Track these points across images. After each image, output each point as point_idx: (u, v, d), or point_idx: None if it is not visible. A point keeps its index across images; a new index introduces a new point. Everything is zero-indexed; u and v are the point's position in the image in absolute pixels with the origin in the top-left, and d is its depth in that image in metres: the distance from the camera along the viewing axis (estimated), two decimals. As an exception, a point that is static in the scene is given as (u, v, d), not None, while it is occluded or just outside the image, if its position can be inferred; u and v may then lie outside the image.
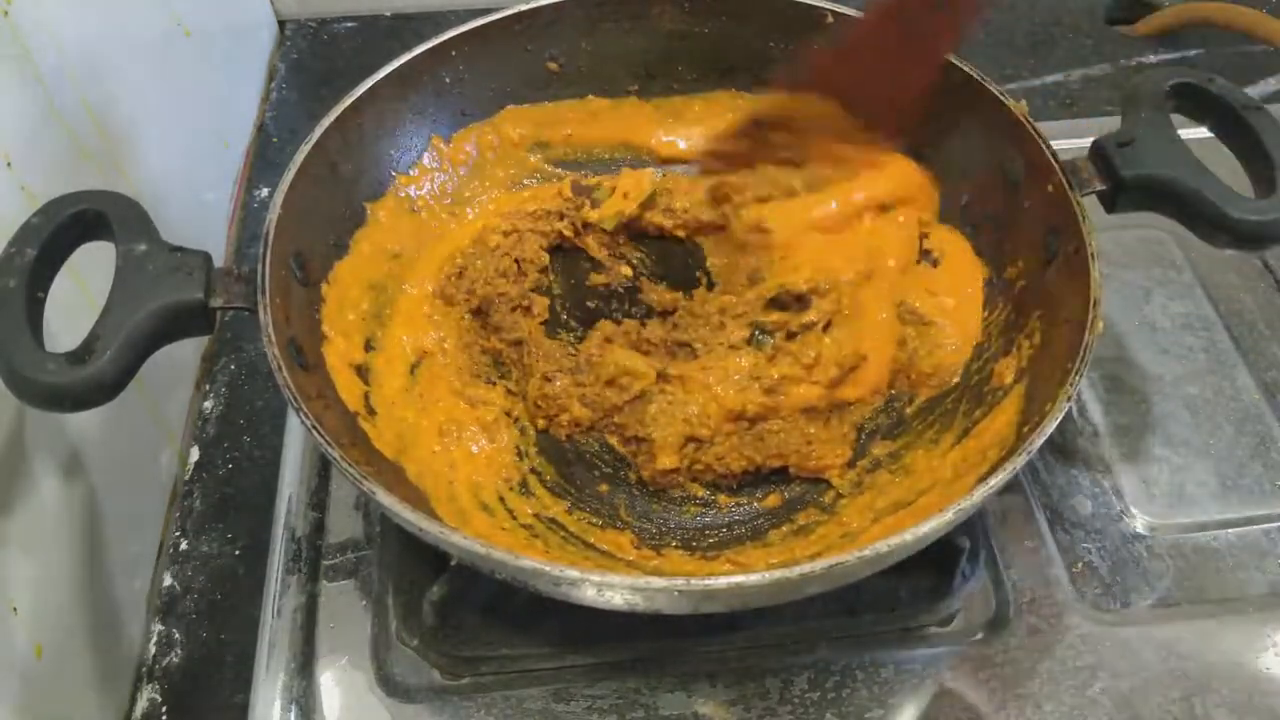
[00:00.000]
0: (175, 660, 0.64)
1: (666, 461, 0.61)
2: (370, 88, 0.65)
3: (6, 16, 0.54)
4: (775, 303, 0.66)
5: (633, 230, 0.72)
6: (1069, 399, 0.51)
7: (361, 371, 0.63)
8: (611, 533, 0.61)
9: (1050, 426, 0.50)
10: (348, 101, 0.64)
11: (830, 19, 0.71)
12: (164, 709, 0.62)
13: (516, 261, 0.70)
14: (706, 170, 0.71)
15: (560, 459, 0.65)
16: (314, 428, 0.49)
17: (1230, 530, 0.65)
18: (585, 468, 0.65)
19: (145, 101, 0.71)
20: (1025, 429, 0.54)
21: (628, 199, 0.71)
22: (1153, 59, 1.00)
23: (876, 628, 0.60)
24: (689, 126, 0.77)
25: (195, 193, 0.81)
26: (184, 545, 0.68)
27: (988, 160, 0.66)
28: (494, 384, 0.67)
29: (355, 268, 0.66)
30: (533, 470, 0.64)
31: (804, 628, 0.59)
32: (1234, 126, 0.60)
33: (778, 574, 0.44)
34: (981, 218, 0.68)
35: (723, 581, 0.45)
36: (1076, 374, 0.52)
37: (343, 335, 0.62)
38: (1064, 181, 0.59)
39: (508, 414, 0.66)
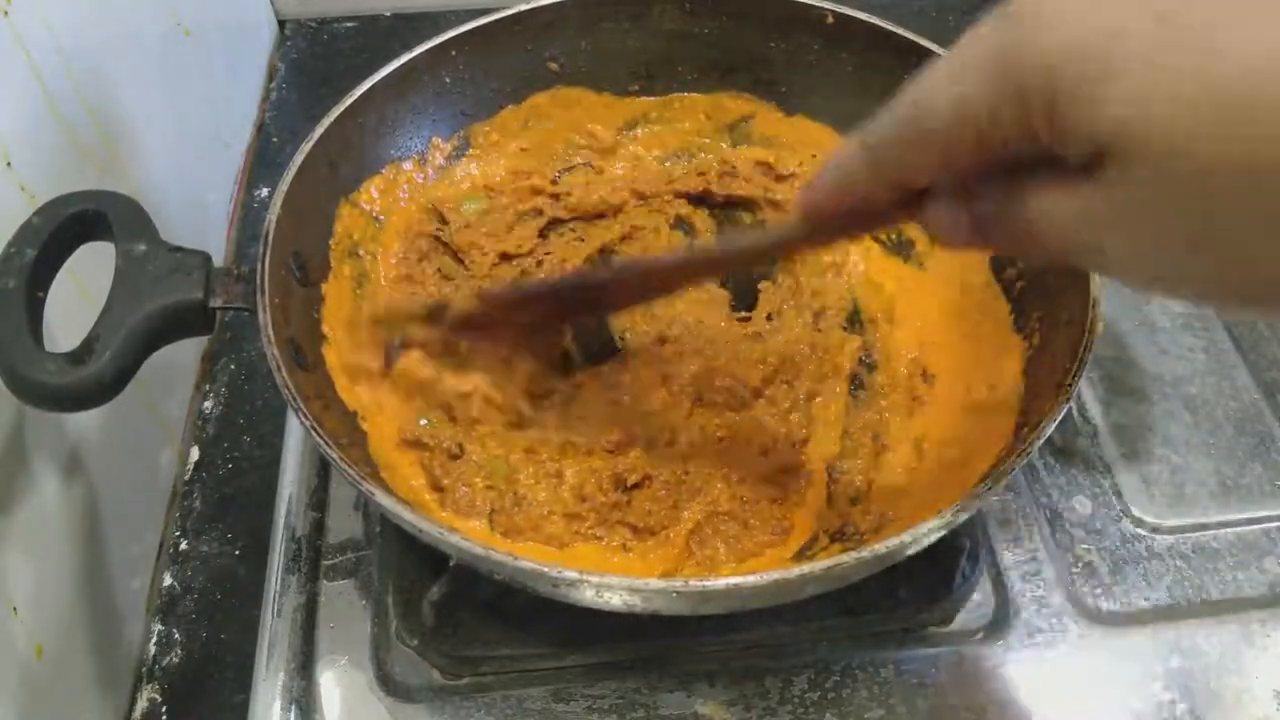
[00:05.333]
0: (175, 660, 0.64)
1: None
2: (370, 88, 0.65)
3: (6, 16, 0.54)
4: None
5: None
6: (1068, 399, 0.51)
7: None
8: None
9: (1050, 427, 0.50)
10: (348, 102, 0.64)
11: (830, 19, 0.71)
12: (164, 709, 0.62)
13: None
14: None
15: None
16: (313, 428, 0.49)
17: (1230, 530, 0.65)
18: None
19: (145, 101, 0.71)
20: (1025, 429, 0.54)
21: None
22: (1153, 59, 1.00)
23: (876, 628, 0.60)
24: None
25: (195, 193, 0.81)
26: (184, 545, 0.69)
27: (988, 160, 0.66)
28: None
29: (355, 268, 0.66)
30: None
31: (804, 628, 0.59)
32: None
33: (776, 575, 0.44)
34: (981, 218, 0.68)
35: (721, 583, 0.45)
36: (1076, 374, 0.52)
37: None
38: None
39: None
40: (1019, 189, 0.34)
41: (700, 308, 0.69)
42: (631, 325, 0.68)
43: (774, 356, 0.65)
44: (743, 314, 0.69)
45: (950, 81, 0.33)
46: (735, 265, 0.62)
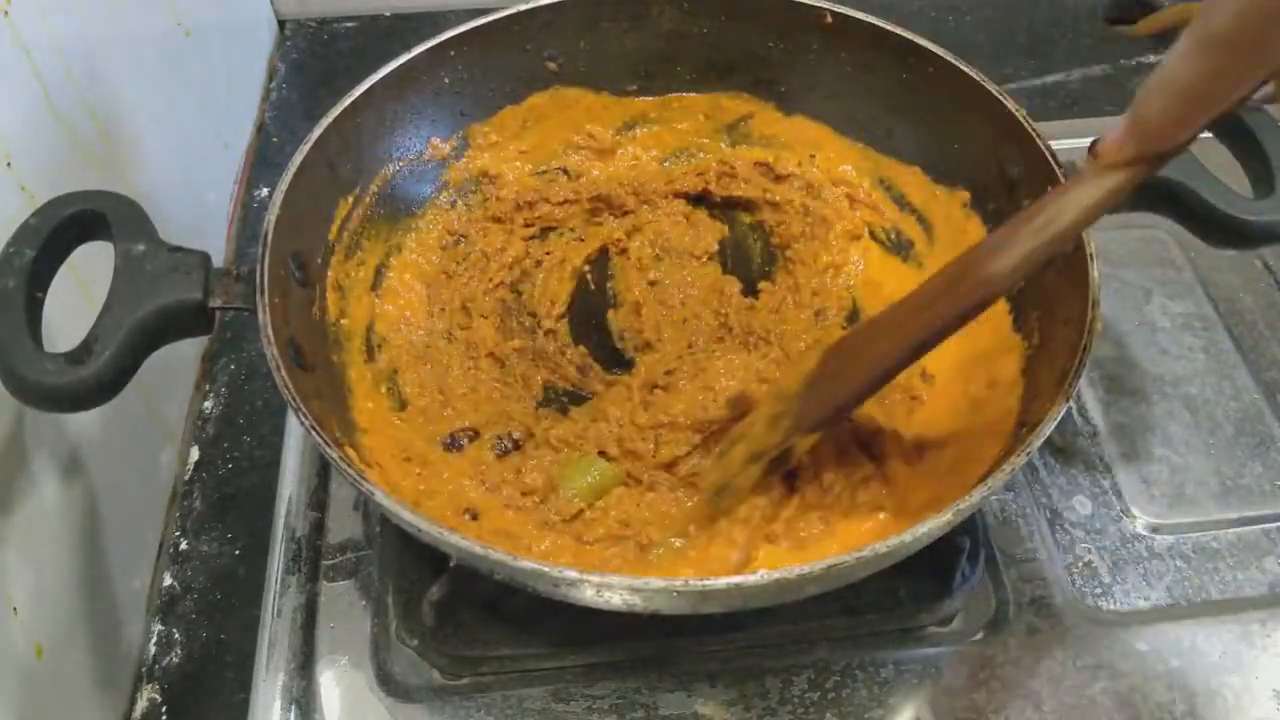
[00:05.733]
0: (175, 660, 0.64)
1: None
2: (369, 88, 0.65)
3: (6, 16, 0.54)
4: None
5: None
6: (1068, 399, 0.51)
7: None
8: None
9: (1049, 426, 0.50)
10: (347, 102, 0.64)
11: (829, 19, 0.71)
12: (164, 709, 0.62)
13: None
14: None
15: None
16: (313, 428, 0.49)
17: (1230, 530, 0.65)
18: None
19: (145, 101, 0.71)
20: (1024, 429, 0.54)
21: None
22: (1153, 59, 1.00)
23: (876, 628, 0.60)
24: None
25: (195, 193, 0.81)
26: (184, 545, 0.69)
27: (987, 160, 0.66)
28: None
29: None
30: None
31: (804, 628, 0.59)
32: (1232, 127, 0.60)
33: (776, 574, 0.44)
34: (981, 218, 0.68)
35: (721, 582, 0.45)
36: (1075, 374, 0.52)
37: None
38: (1062, 181, 0.59)
39: None
40: None
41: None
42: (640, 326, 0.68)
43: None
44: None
45: None
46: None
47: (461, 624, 0.58)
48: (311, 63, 1.03)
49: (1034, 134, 0.62)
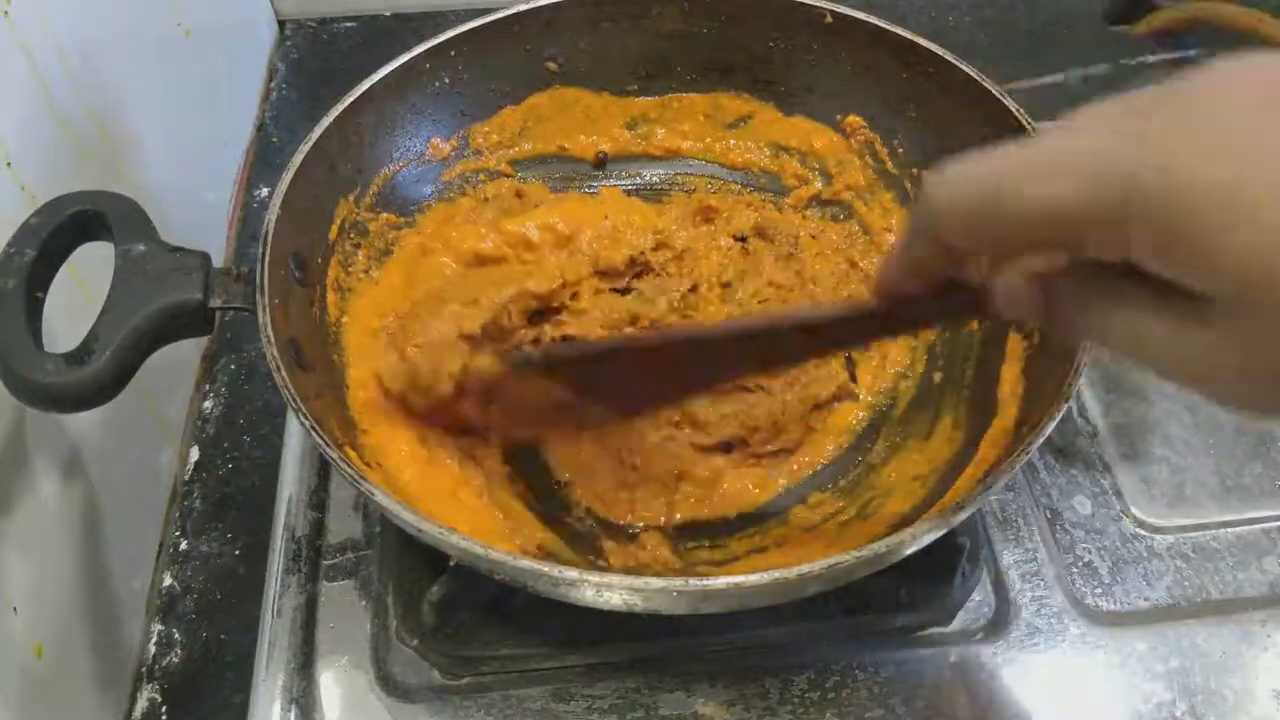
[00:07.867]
0: (175, 660, 0.64)
1: None
2: (369, 88, 0.65)
3: (6, 16, 0.54)
4: None
5: None
6: (1068, 399, 0.51)
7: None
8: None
9: (1049, 427, 0.50)
10: (347, 102, 0.64)
11: (829, 18, 0.71)
12: (164, 709, 0.62)
13: None
14: None
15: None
16: (313, 428, 0.49)
17: (1230, 530, 0.65)
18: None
19: (145, 101, 0.71)
20: (1024, 429, 0.54)
21: None
22: (1152, 59, 1.00)
23: (876, 628, 0.60)
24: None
25: (195, 193, 0.81)
26: (184, 545, 0.69)
27: (987, 160, 0.66)
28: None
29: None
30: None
31: (804, 628, 0.59)
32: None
33: (776, 574, 0.44)
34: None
35: (721, 582, 0.45)
36: (1075, 374, 0.52)
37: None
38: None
39: None
40: (1101, 294, 0.34)
41: None
42: None
43: None
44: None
45: (1049, 174, 0.31)
46: (803, 341, 0.49)
47: (461, 624, 0.58)
48: (311, 63, 1.03)
49: (1034, 134, 0.62)
